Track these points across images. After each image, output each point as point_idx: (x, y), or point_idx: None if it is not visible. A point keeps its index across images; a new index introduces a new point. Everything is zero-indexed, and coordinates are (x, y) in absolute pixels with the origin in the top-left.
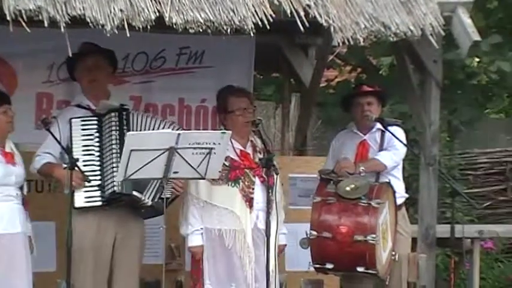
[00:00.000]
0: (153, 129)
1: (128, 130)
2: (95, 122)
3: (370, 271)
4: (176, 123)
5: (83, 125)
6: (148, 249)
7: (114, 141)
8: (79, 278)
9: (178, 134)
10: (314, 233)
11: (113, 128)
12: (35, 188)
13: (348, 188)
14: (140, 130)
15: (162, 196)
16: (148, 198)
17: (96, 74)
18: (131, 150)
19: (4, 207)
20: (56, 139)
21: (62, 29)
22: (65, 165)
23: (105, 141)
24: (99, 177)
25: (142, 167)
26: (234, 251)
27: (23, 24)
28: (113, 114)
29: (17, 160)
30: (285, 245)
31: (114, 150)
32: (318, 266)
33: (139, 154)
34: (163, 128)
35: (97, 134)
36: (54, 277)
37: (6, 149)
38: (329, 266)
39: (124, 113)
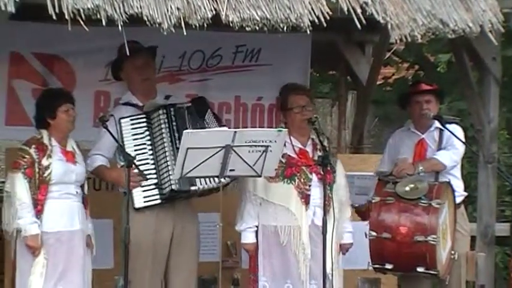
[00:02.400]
0: (200, 123)
1: (177, 126)
2: (144, 120)
3: (430, 271)
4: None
5: (132, 124)
6: (204, 247)
7: (165, 139)
8: (136, 275)
9: (235, 132)
10: (373, 233)
11: (162, 125)
12: (93, 186)
13: (407, 188)
14: (188, 125)
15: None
16: (206, 187)
17: (148, 72)
18: (188, 148)
19: (63, 204)
20: (113, 137)
21: (120, 28)
22: (122, 164)
23: (156, 139)
24: (155, 176)
25: (198, 165)
26: (289, 248)
27: (81, 23)
28: (160, 111)
29: (78, 159)
30: (351, 243)
31: (166, 148)
32: (377, 266)
33: (196, 152)
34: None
35: (147, 133)
36: (112, 274)
37: (68, 148)
38: (388, 266)
39: (171, 109)
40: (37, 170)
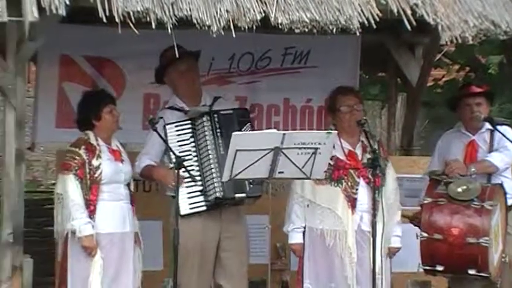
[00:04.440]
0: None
1: (221, 132)
2: (189, 126)
3: (482, 274)
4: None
5: (177, 130)
6: (253, 249)
7: (209, 145)
8: (184, 278)
9: (284, 134)
10: (425, 234)
11: (207, 131)
12: (143, 187)
13: (459, 190)
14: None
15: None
16: (250, 194)
17: (192, 76)
18: (237, 150)
19: (115, 206)
20: (162, 138)
21: (169, 30)
22: (171, 165)
23: (201, 146)
24: (200, 182)
25: (247, 167)
26: (335, 252)
27: (131, 26)
28: (204, 118)
29: (124, 157)
30: (399, 248)
31: (210, 155)
32: (427, 267)
33: (245, 154)
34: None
35: (192, 139)
36: (161, 276)
37: (113, 147)
38: (439, 268)
39: (215, 115)
40: (88, 170)
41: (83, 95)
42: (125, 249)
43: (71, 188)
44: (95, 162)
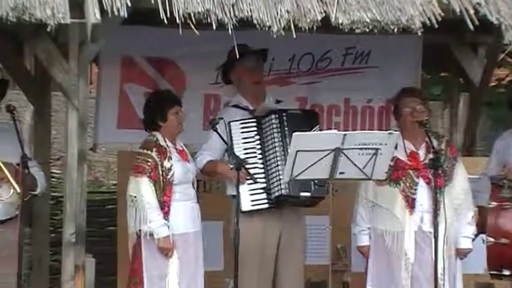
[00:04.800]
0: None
1: (289, 131)
2: (254, 124)
3: None
4: None
5: (242, 127)
6: (314, 250)
7: (276, 143)
8: (245, 278)
9: (344, 134)
10: (491, 239)
11: (274, 129)
12: (203, 187)
13: None
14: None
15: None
16: (314, 194)
17: (258, 74)
18: (297, 151)
19: (186, 206)
20: (222, 139)
21: (230, 31)
22: (232, 166)
23: (267, 144)
24: (263, 180)
25: (308, 167)
26: (393, 253)
27: (192, 26)
28: (273, 116)
29: (189, 157)
30: (469, 249)
31: (277, 153)
32: (494, 272)
33: (305, 155)
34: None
35: (257, 137)
36: (222, 276)
37: (178, 147)
38: (506, 272)
39: (284, 114)
40: (161, 172)
41: (149, 96)
42: (198, 248)
43: (145, 191)
44: (166, 164)
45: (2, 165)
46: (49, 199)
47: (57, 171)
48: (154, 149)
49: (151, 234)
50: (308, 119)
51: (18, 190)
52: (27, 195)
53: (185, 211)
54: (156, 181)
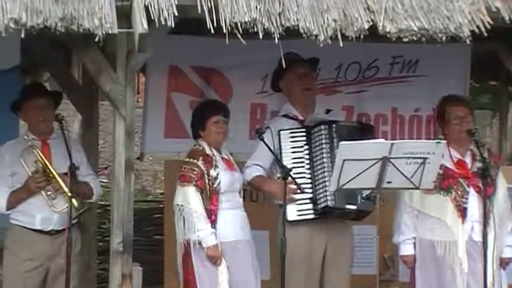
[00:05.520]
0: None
1: (338, 143)
2: (304, 134)
3: None
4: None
5: (291, 136)
6: (361, 260)
7: (324, 154)
8: (291, 287)
9: (392, 143)
10: None
11: (323, 140)
12: (250, 197)
13: None
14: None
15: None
16: (360, 207)
17: (309, 82)
18: (344, 160)
19: (234, 214)
20: (269, 149)
21: (276, 40)
22: (279, 175)
23: (316, 154)
24: (310, 190)
25: (355, 177)
26: (445, 263)
27: (239, 36)
28: (322, 126)
29: (236, 167)
30: (511, 258)
31: (325, 164)
32: None
33: (352, 164)
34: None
35: (306, 146)
36: (269, 285)
37: (224, 157)
38: None
39: (333, 125)
40: (207, 181)
41: (196, 105)
42: (248, 256)
43: (192, 200)
44: (213, 173)
45: (58, 177)
46: (97, 208)
47: (105, 180)
48: (200, 158)
49: (199, 243)
50: (360, 132)
51: (74, 201)
52: (83, 206)
53: (233, 219)
54: (203, 190)
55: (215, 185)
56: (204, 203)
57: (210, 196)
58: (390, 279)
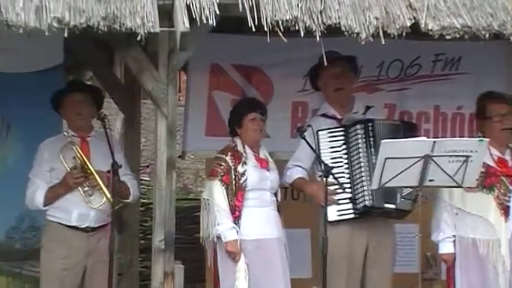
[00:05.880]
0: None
1: (374, 141)
2: (342, 133)
3: None
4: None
5: (330, 136)
6: (403, 258)
7: (361, 153)
8: (332, 286)
9: (434, 141)
10: None
11: (359, 139)
12: (291, 195)
13: None
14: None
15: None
16: (400, 206)
17: (342, 81)
18: (386, 158)
19: (261, 212)
20: (311, 147)
21: (318, 38)
22: (319, 174)
23: (353, 153)
24: (349, 190)
25: (397, 175)
26: (488, 261)
27: (280, 34)
28: (358, 126)
29: (271, 166)
30: None
31: (362, 163)
32: None
33: (394, 162)
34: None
35: (344, 146)
36: (310, 284)
37: (261, 156)
38: None
39: (370, 124)
40: (233, 176)
41: (234, 104)
42: (272, 255)
43: (216, 194)
44: (240, 169)
45: (95, 173)
46: (139, 206)
47: (147, 179)
48: (229, 154)
49: (219, 237)
50: (401, 130)
51: (110, 198)
52: (119, 203)
53: (259, 217)
54: (228, 185)
55: (241, 181)
56: (228, 198)
57: (236, 192)
58: (433, 278)
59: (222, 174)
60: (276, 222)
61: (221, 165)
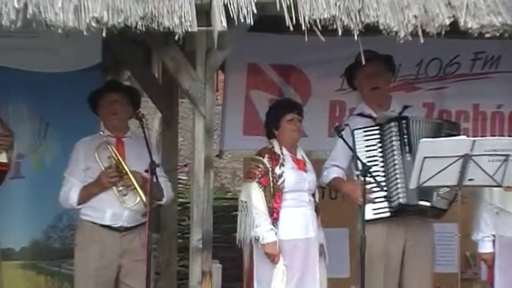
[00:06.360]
0: (434, 135)
1: (408, 139)
2: (377, 132)
3: None
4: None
5: (365, 135)
6: (442, 258)
7: (395, 151)
8: (370, 286)
9: (473, 140)
10: None
11: (394, 137)
12: (329, 195)
13: None
14: (420, 137)
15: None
16: (435, 204)
17: (377, 81)
18: (424, 157)
19: (298, 212)
20: (349, 147)
21: (355, 37)
22: (357, 173)
23: (387, 151)
24: (384, 188)
25: (435, 174)
26: None
27: (318, 33)
28: (392, 124)
29: (309, 167)
30: None
31: (396, 161)
32: None
33: (433, 161)
34: (441, 132)
35: (379, 145)
36: (348, 283)
37: (298, 157)
38: None
39: (403, 121)
40: (271, 178)
41: (270, 104)
42: (310, 255)
43: (254, 196)
44: (277, 171)
45: (130, 173)
46: (176, 205)
47: (184, 178)
48: (266, 156)
49: (257, 239)
50: (442, 128)
51: (144, 198)
52: (153, 203)
53: (296, 218)
54: (266, 187)
55: (279, 183)
56: (266, 200)
57: (274, 194)
58: (472, 278)
59: (260, 176)
60: (313, 222)
61: (258, 167)
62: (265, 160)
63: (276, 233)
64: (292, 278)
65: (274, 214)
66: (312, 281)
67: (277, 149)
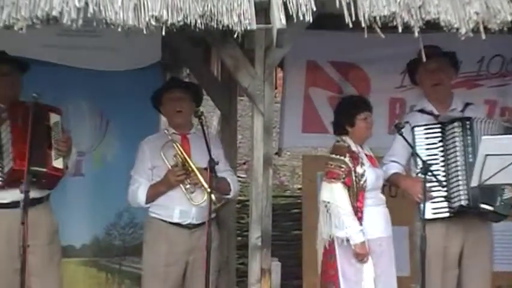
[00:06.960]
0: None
1: (472, 140)
2: (438, 130)
3: None
4: None
5: (426, 133)
6: (503, 256)
7: (458, 152)
8: (430, 284)
9: None
10: None
11: (457, 138)
12: (389, 192)
13: None
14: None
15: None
16: (498, 210)
17: (439, 77)
18: (486, 155)
19: (379, 211)
20: (409, 144)
21: (416, 34)
22: (417, 170)
23: (449, 151)
24: (444, 188)
25: (498, 172)
26: None
27: (378, 30)
28: (455, 123)
29: (377, 162)
30: None
31: (458, 162)
32: None
33: (495, 159)
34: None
35: (440, 144)
36: (408, 282)
37: (366, 152)
38: None
39: (467, 122)
40: (354, 178)
41: (340, 100)
42: (391, 253)
43: (340, 197)
44: (359, 170)
45: (196, 170)
46: (235, 203)
47: (243, 175)
48: (347, 155)
49: (347, 240)
50: (502, 129)
51: (214, 198)
52: (221, 200)
53: (378, 216)
54: (350, 187)
55: (361, 182)
56: (350, 200)
57: (357, 193)
58: None
59: (344, 176)
60: (389, 220)
61: (341, 167)
62: (347, 159)
63: (364, 233)
64: (380, 276)
65: (358, 213)
66: (393, 278)
67: (354, 147)
